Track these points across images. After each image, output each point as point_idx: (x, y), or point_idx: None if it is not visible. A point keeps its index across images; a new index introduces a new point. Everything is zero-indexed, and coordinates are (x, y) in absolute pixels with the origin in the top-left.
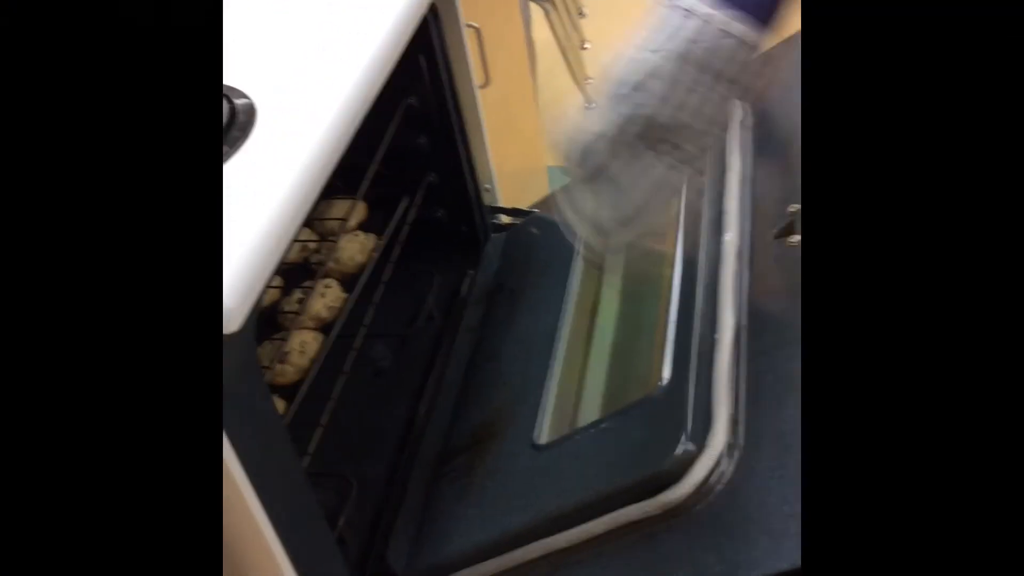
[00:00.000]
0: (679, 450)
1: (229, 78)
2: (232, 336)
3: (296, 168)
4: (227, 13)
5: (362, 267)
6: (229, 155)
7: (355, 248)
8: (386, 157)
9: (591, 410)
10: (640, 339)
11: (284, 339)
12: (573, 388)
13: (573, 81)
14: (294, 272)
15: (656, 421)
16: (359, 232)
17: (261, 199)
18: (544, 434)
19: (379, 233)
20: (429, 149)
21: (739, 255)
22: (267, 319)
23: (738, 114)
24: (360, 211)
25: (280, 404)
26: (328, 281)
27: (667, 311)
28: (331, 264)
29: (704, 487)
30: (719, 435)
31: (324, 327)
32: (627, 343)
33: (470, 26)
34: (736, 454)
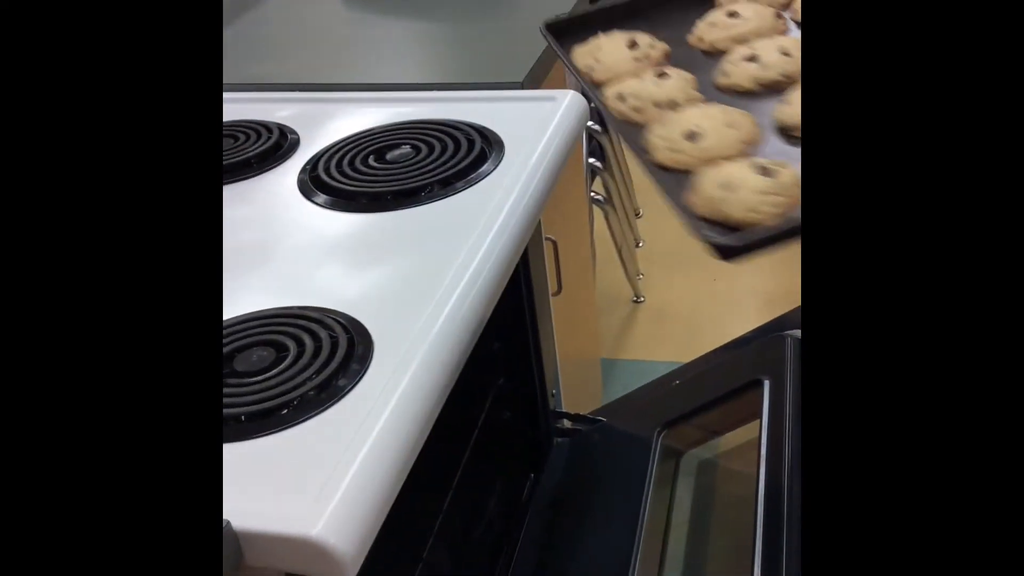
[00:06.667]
0: None
1: (346, 307)
2: None
3: (408, 418)
4: (334, 241)
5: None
6: (347, 389)
7: None
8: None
9: None
10: (720, 568)
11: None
12: None
13: (625, 276)
14: None
15: None
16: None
17: (375, 447)
18: None
19: (454, 439)
20: (501, 354)
21: None
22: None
23: None
24: None
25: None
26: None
27: (752, 547)
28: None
29: None
30: None
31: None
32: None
33: (548, 239)
34: None
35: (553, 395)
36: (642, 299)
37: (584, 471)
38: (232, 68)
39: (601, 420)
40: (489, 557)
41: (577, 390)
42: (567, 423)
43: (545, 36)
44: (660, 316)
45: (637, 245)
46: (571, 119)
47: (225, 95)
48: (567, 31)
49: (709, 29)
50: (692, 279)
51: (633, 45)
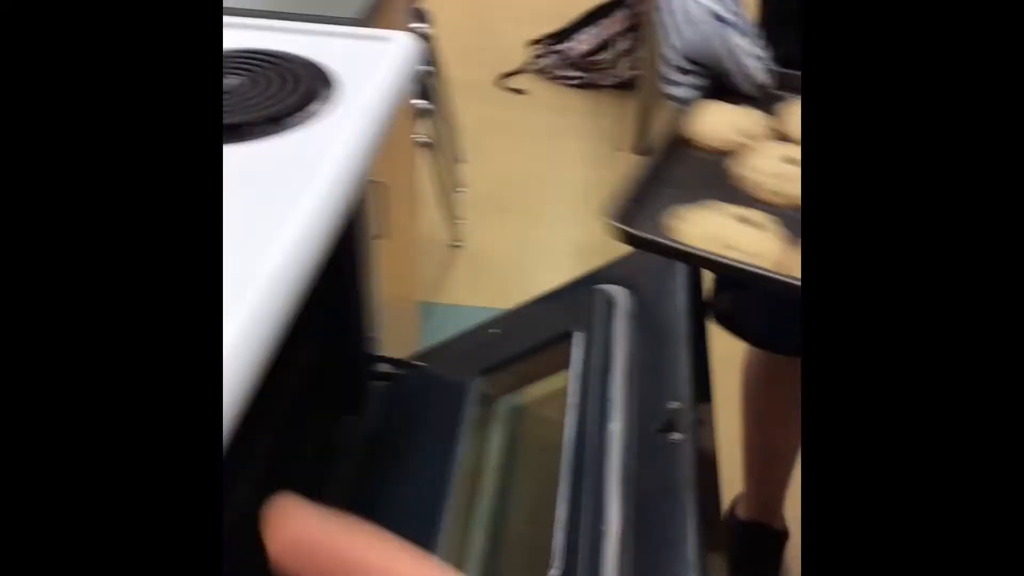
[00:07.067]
0: None
1: None
2: None
3: (238, 365)
4: None
5: None
6: None
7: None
8: None
9: None
10: (525, 517)
11: None
12: (455, 564)
13: (444, 219)
14: None
15: None
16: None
17: None
18: None
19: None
20: (322, 296)
21: (625, 446)
22: None
23: (623, 303)
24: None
25: None
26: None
27: (555, 493)
28: None
29: None
30: None
31: None
32: (512, 520)
33: (375, 182)
34: None
35: (372, 339)
36: (461, 244)
37: (401, 415)
38: None
39: (420, 365)
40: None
41: (394, 333)
42: (385, 367)
43: (635, 235)
44: (477, 262)
45: (457, 190)
46: (407, 61)
47: None
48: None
49: (785, 183)
50: (510, 227)
51: (744, 221)
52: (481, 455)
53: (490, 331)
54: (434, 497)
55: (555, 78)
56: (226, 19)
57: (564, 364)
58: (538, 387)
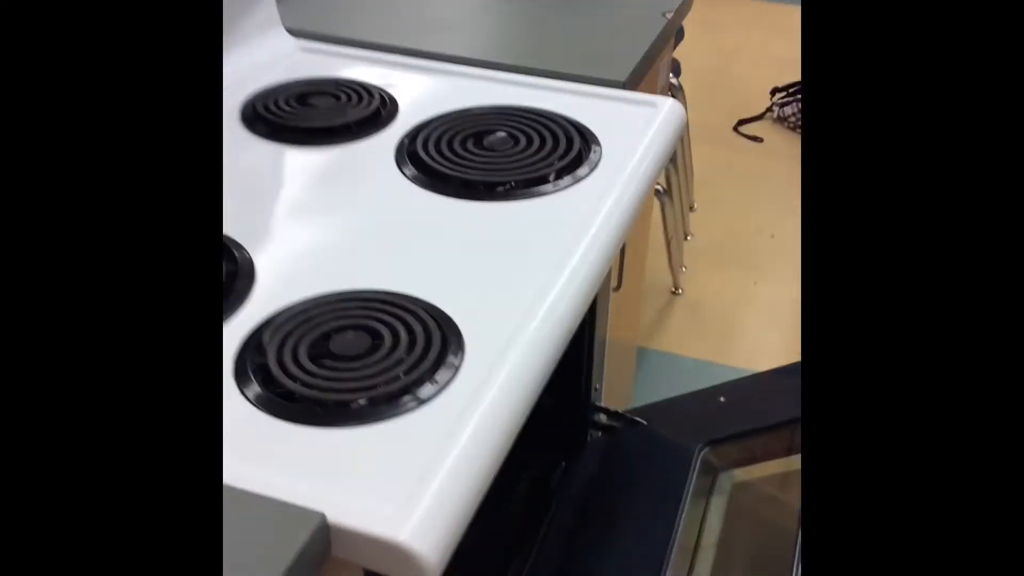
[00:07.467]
0: None
1: (437, 297)
2: None
3: (497, 424)
4: (425, 224)
5: None
6: (441, 388)
7: None
8: None
9: None
10: None
11: None
12: None
13: (668, 266)
14: None
15: None
16: None
17: (464, 452)
18: None
19: None
20: None
21: None
22: None
23: None
24: None
25: None
26: None
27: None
28: None
29: None
30: None
31: None
32: None
33: None
34: None
35: (596, 389)
36: (681, 291)
37: (620, 471)
38: (327, 22)
39: (641, 422)
40: (514, 539)
41: (611, 378)
42: (604, 418)
43: None
44: (696, 311)
45: (687, 237)
46: (669, 128)
47: (319, 47)
48: None
49: None
50: (733, 278)
51: None
52: (701, 526)
53: (718, 399)
54: (652, 563)
55: (795, 127)
56: (497, 75)
57: (794, 447)
58: (765, 465)
